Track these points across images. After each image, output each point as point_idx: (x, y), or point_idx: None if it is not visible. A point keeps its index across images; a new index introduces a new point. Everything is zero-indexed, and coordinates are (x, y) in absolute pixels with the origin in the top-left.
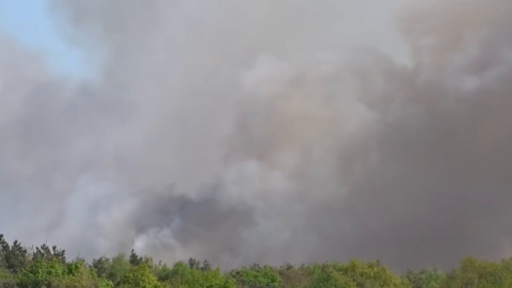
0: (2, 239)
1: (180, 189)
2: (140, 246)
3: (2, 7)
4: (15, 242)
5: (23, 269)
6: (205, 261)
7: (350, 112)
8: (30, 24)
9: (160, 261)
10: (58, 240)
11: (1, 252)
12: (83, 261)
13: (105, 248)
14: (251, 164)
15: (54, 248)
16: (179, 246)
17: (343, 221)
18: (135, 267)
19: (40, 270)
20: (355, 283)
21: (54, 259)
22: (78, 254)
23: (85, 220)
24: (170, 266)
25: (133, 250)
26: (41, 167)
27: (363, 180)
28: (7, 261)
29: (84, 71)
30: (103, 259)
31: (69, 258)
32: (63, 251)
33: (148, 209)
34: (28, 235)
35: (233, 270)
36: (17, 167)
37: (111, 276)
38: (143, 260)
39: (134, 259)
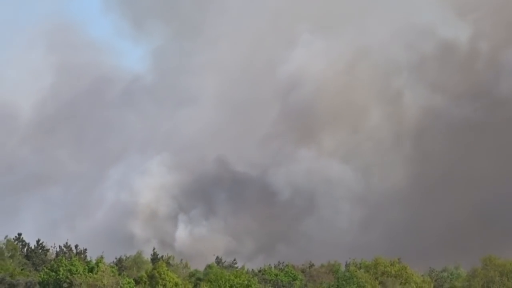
0: (22, 237)
1: (234, 174)
2: (185, 234)
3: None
4: (38, 241)
5: (44, 267)
6: (234, 260)
7: (404, 96)
8: (89, 15)
9: (181, 260)
10: (110, 222)
11: (23, 251)
12: (102, 258)
13: (157, 234)
14: (303, 148)
15: (76, 246)
16: (227, 232)
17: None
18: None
19: (61, 268)
20: (377, 282)
21: (74, 257)
22: (103, 252)
23: (129, 207)
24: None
25: (154, 249)
26: (96, 155)
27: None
28: (28, 259)
29: (139, 59)
30: (123, 257)
31: (93, 255)
32: (85, 249)
33: (199, 195)
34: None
35: (257, 269)
36: (73, 154)
37: (132, 274)
38: (164, 258)
39: (155, 257)
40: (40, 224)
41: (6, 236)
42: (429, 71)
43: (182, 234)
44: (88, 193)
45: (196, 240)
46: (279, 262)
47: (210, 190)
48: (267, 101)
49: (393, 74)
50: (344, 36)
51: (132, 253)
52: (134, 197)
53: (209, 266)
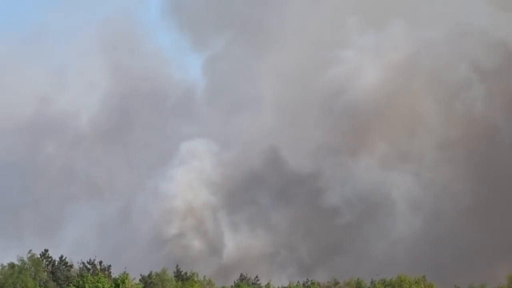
0: (48, 254)
1: (286, 180)
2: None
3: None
4: (61, 257)
5: (70, 284)
6: (256, 277)
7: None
8: (146, 25)
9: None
10: None
11: (48, 267)
12: (128, 275)
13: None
14: (359, 153)
15: (100, 262)
16: (275, 242)
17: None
18: (181, 283)
19: (86, 285)
20: None
21: (100, 274)
22: (125, 268)
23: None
24: None
25: (177, 266)
26: (151, 163)
27: None
28: (53, 275)
29: (195, 67)
30: (152, 274)
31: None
32: (109, 265)
33: (250, 200)
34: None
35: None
36: (128, 163)
37: None
38: (188, 274)
39: (179, 274)
40: (81, 235)
41: (30, 251)
42: (489, 73)
43: (229, 242)
44: (139, 200)
45: (242, 248)
46: (307, 279)
47: (261, 197)
48: (321, 104)
49: (451, 75)
50: (399, 36)
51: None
52: (188, 203)
53: (237, 285)
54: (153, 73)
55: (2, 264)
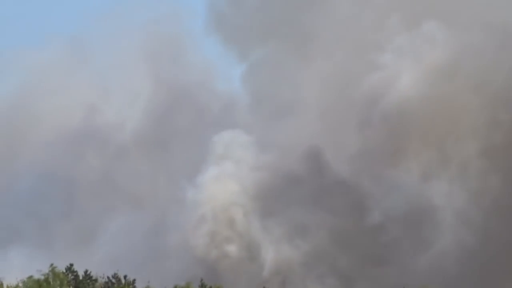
0: (73, 268)
1: (327, 187)
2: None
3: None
4: (86, 271)
5: None
6: None
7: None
8: (190, 35)
9: None
10: None
11: (72, 282)
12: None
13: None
14: (403, 163)
15: (125, 277)
16: (317, 254)
17: None
18: None
19: None
20: None
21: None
22: (148, 282)
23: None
24: None
25: (202, 280)
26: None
27: None
28: None
29: (237, 77)
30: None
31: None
32: (134, 279)
33: (288, 209)
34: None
35: None
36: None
37: None
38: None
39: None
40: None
41: (52, 265)
42: None
43: (267, 253)
44: (174, 211)
45: (279, 258)
46: None
47: (300, 203)
48: (360, 110)
49: (495, 77)
50: (439, 38)
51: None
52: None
53: None
54: (196, 84)
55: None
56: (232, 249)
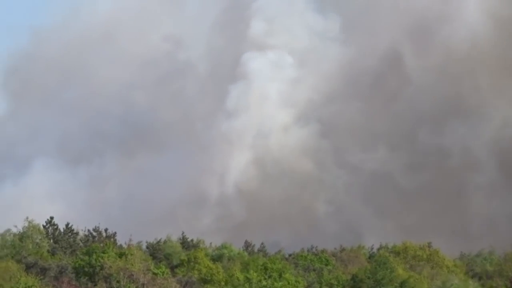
0: (53, 221)
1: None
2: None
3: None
4: (67, 224)
5: (78, 252)
6: (262, 244)
7: None
8: None
9: (210, 243)
10: None
11: (55, 234)
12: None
13: None
14: None
15: (106, 230)
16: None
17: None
18: (190, 251)
19: (95, 254)
20: (407, 266)
21: (107, 242)
22: (131, 236)
23: None
24: None
25: (183, 233)
26: None
27: None
28: (55, 243)
29: None
30: (160, 242)
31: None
32: (115, 233)
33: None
34: None
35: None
36: None
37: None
38: (195, 242)
39: (185, 241)
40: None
41: (27, 218)
42: None
43: None
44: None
45: None
46: (311, 246)
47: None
48: None
49: None
50: None
51: None
52: None
53: (224, 246)
54: None
55: None
56: None
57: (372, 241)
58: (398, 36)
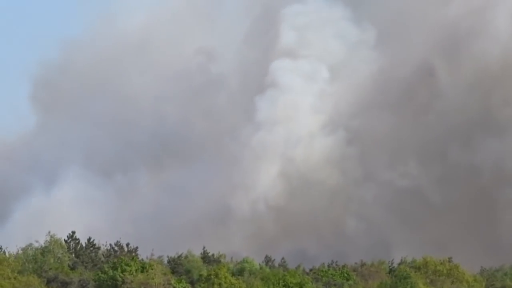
0: (75, 235)
1: None
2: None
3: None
4: (89, 239)
5: (104, 266)
6: (283, 259)
7: None
8: None
9: (231, 257)
10: None
11: (76, 249)
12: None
13: None
14: None
15: (127, 245)
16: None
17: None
18: (211, 267)
19: (119, 268)
20: (428, 281)
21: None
22: (152, 250)
23: None
24: None
25: (204, 247)
26: None
27: None
28: (77, 257)
29: None
30: (181, 256)
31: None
32: (137, 247)
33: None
34: None
35: (310, 270)
36: None
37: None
38: (215, 256)
39: (206, 256)
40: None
41: (49, 232)
42: None
43: None
44: None
45: None
46: (332, 261)
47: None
48: None
49: None
50: None
51: None
52: None
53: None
54: None
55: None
56: None
57: (400, 255)
58: (431, 48)
